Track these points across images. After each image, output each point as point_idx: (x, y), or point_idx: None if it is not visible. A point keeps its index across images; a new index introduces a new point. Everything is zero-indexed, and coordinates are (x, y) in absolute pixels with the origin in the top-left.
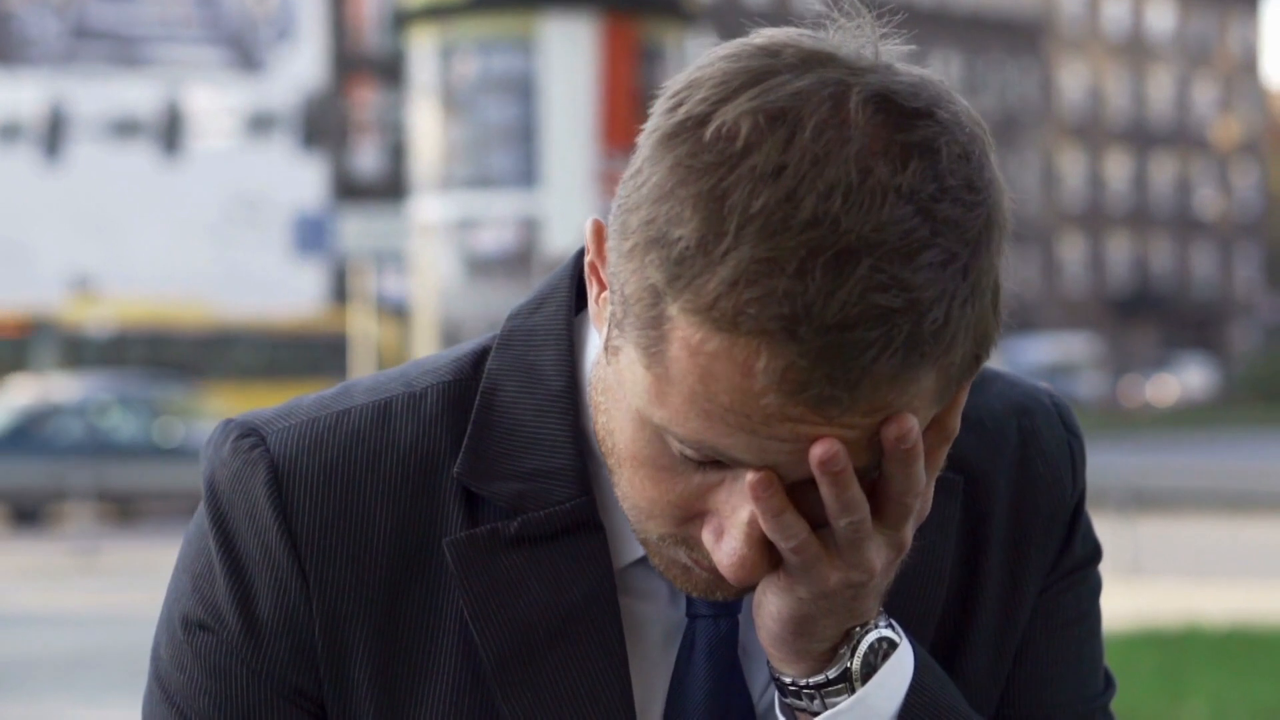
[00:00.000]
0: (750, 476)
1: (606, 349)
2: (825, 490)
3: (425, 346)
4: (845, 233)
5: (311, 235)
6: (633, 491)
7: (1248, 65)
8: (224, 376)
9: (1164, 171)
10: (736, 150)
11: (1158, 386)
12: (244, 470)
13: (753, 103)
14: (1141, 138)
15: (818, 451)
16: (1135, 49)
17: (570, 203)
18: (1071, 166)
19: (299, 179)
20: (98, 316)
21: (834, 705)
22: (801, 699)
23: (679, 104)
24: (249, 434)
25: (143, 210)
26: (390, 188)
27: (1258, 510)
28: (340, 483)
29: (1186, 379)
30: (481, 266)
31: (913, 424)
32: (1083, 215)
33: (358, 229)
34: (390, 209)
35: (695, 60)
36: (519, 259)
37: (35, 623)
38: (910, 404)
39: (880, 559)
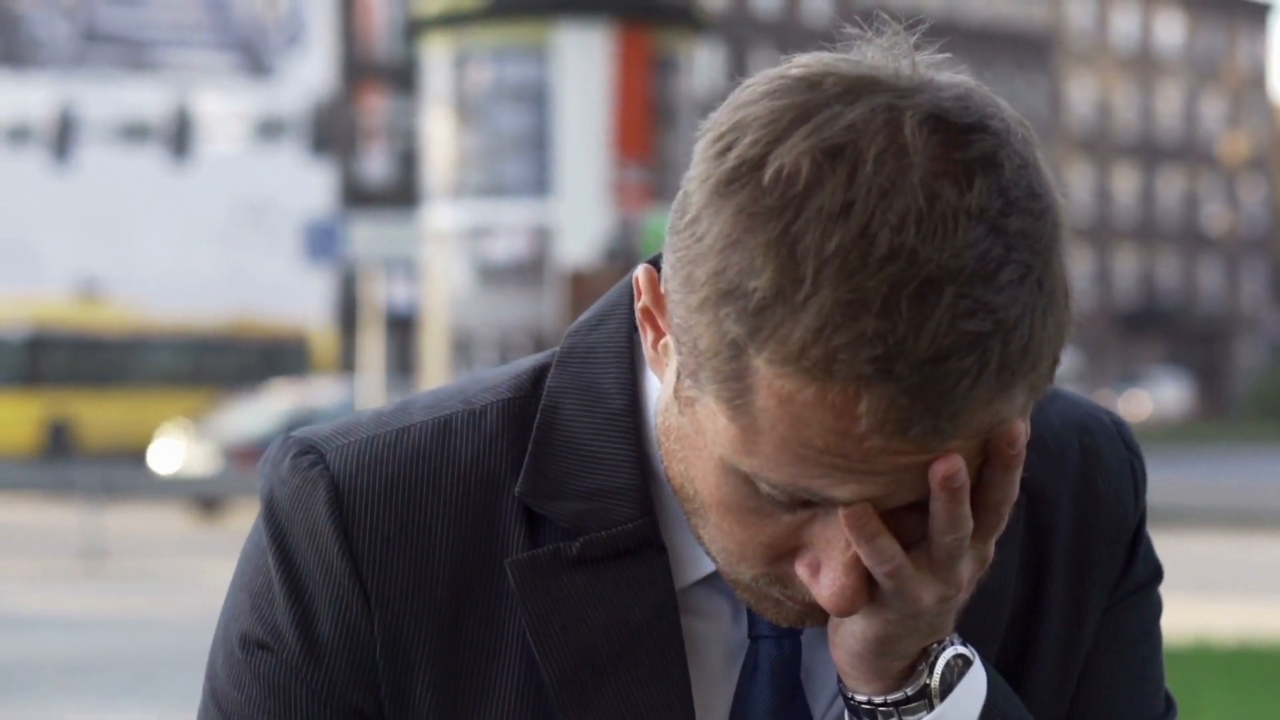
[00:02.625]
0: (845, 509)
1: (677, 398)
2: (940, 506)
3: (434, 354)
4: (925, 263)
5: (322, 241)
6: (721, 536)
7: (1256, 80)
8: (147, 382)
9: (1171, 186)
10: (799, 191)
11: (1130, 402)
12: (304, 488)
13: (808, 141)
14: (1149, 152)
15: (941, 469)
16: (1143, 63)
17: (583, 212)
18: (1079, 180)
19: (307, 185)
20: (10, 318)
21: None
22: (877, 718)
23: (728, 148)
24: (308, 451)
25: (151, 214)
26: (399, 195)
27: (1267, 527)
28: (401, 501)
29: (1161, 395)
30: (493, 275)
31: (1021, 430)
32: (1090, 229)
33: (368, 236)
34: (399, 216)
35: (733, 97)
36: (531, 268)
37: (42, 625)
38: (1008, 421)
39: (966, 574)
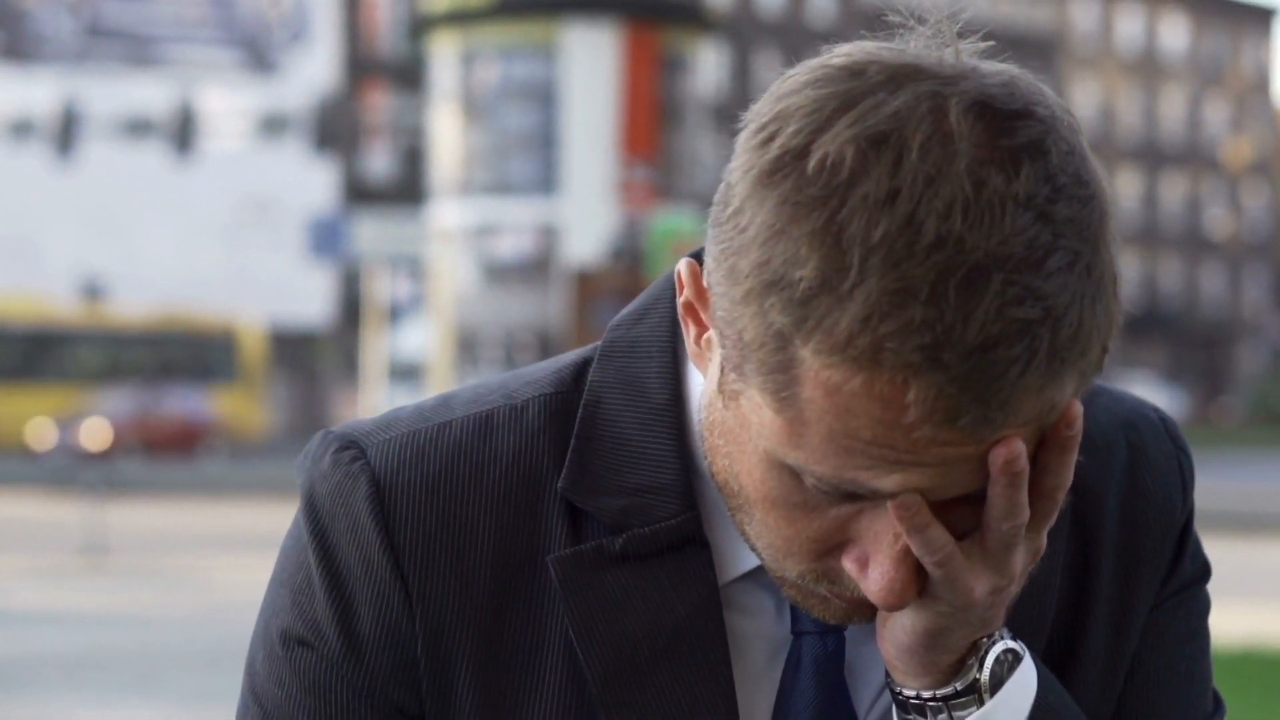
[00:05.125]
0: (894, 500)
1: (722, 392)
2: (999, 492)
3: (440, 352)
4: (972, 250)
5: (326, 238)
6: (767, 532)
7: (1260, 85)
8: (61, 377)
9: (1174, 190)
10: (844, 180)
11: None
12: (345, 483)
13: (851, 129)
14: (1152, 156)
15: (1003, 453)
16: (1147, 67)
17: (589, 210)
18: None
19: (310, 182)
20: None
21: (960, 718)
22: (926, 713)
23: (771, 137)
24: (349, 446)
25: (153, 211)
26: (401, 192)
27: (1272, 532)
28: (443, 496)
29: None
30: (499, 273)
31: (1079, 410)
32: None
33: (373, 233)
34: (403, 213)
35: (775, 87)
36: (537, 266)
37: (43, 622)
38: (1057, 409)
39: (1019, 564)
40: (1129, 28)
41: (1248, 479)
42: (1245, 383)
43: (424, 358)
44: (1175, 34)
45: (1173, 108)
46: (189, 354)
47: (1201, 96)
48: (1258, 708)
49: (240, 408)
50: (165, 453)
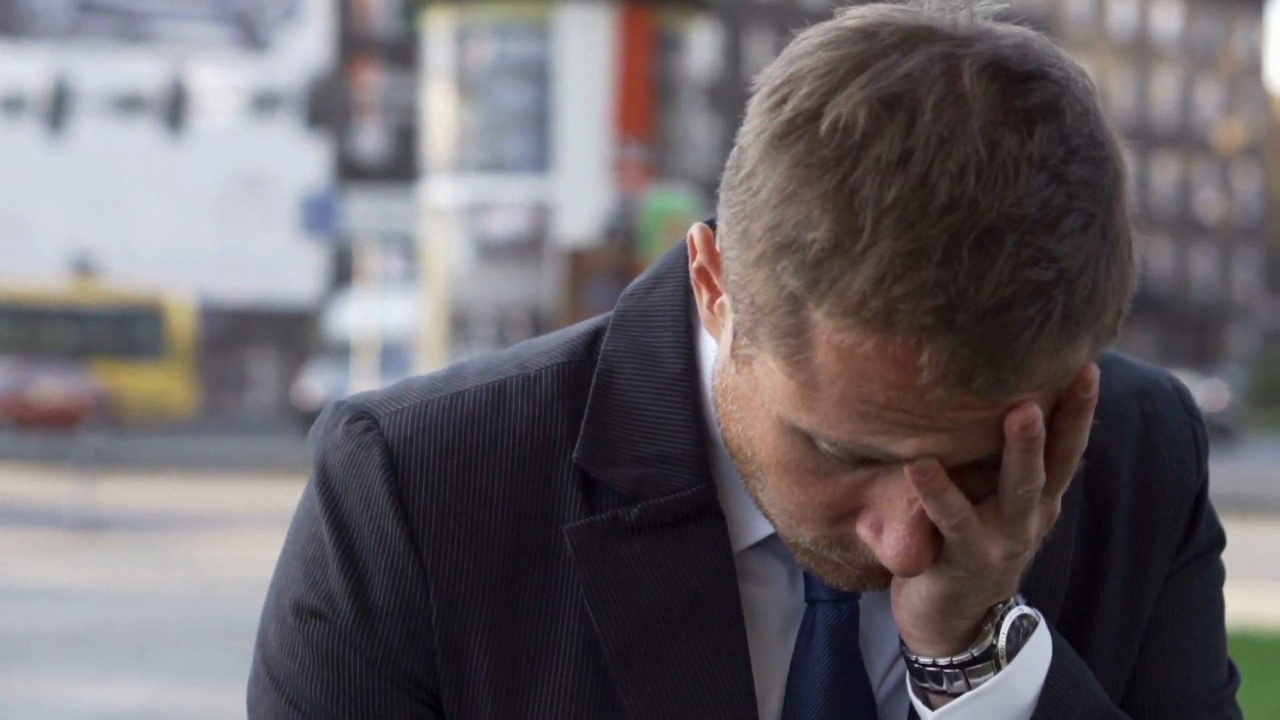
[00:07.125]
0: (910, 465)
1: (735, 358)
2: (1015, 457)
3: (432, 331)
4: (985, 211)
5: (318, 215)
6: (780, 498)
7: (1252, 68)
8: None
9: (1166, 173)
10: (856, 142)
11: None
12: (358, 454)
13: (864, 90)
14: (1144, 138)
15: (1019, 418)
16: (1140, 49)
17: (583, 189)
18: None
19: (301, 160)
20: None
21: (977, 685)
22: (942, 680)
23: (783, 100)
24: (361, 416)
25: (144, 188)
26: (393, 170)
27: (1267, 514)
28: (456, 467)
29: None
30: (491, 251)
31: (1095, 373)
32: None
33: (365, 210)
34: (395, 191)
35: (788, 50)
36: (530, 245)
37: (38, 597)
38: (1072, 373)
39: (1035, 529)
40: (1122, 9)
41: (1243, 461)
42: (1236, 366)
43: (414, 334)
44: (1168, 16)
45: (1165, 90)
46: (113, 329)
47: (1194, 79)
48: (1253, 689)
49: (168, 384)
50: (38, 430)
